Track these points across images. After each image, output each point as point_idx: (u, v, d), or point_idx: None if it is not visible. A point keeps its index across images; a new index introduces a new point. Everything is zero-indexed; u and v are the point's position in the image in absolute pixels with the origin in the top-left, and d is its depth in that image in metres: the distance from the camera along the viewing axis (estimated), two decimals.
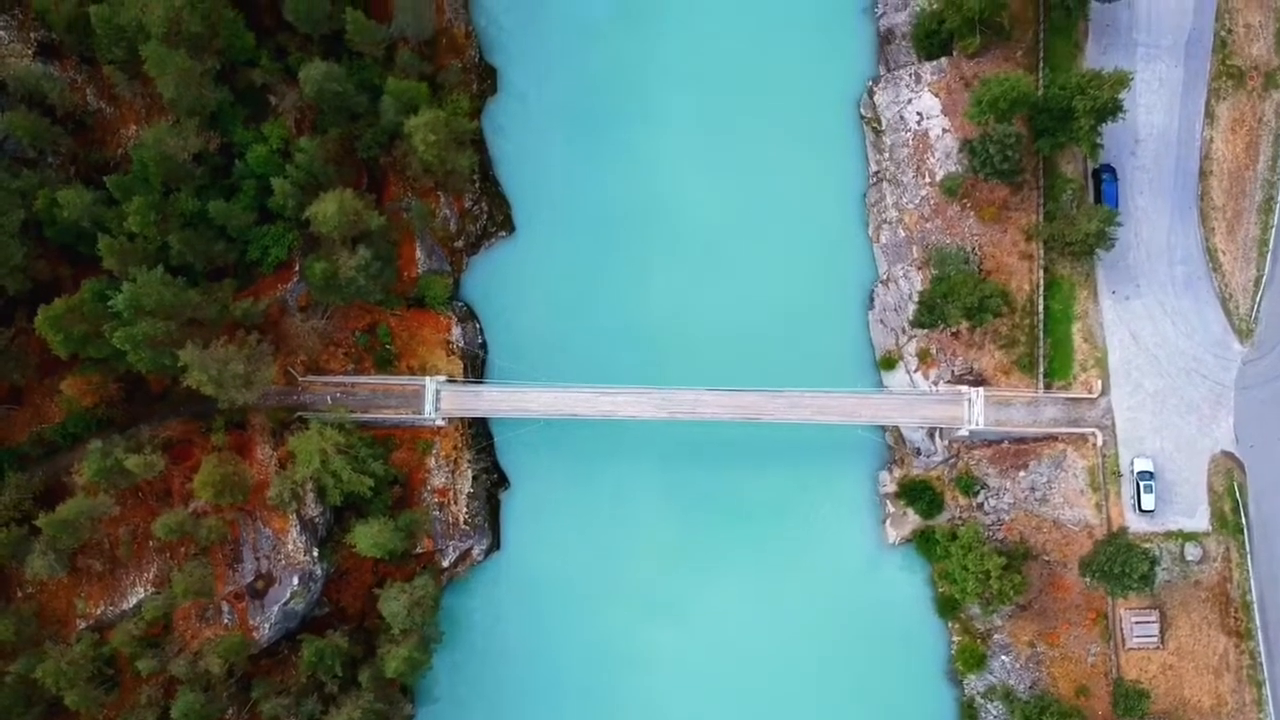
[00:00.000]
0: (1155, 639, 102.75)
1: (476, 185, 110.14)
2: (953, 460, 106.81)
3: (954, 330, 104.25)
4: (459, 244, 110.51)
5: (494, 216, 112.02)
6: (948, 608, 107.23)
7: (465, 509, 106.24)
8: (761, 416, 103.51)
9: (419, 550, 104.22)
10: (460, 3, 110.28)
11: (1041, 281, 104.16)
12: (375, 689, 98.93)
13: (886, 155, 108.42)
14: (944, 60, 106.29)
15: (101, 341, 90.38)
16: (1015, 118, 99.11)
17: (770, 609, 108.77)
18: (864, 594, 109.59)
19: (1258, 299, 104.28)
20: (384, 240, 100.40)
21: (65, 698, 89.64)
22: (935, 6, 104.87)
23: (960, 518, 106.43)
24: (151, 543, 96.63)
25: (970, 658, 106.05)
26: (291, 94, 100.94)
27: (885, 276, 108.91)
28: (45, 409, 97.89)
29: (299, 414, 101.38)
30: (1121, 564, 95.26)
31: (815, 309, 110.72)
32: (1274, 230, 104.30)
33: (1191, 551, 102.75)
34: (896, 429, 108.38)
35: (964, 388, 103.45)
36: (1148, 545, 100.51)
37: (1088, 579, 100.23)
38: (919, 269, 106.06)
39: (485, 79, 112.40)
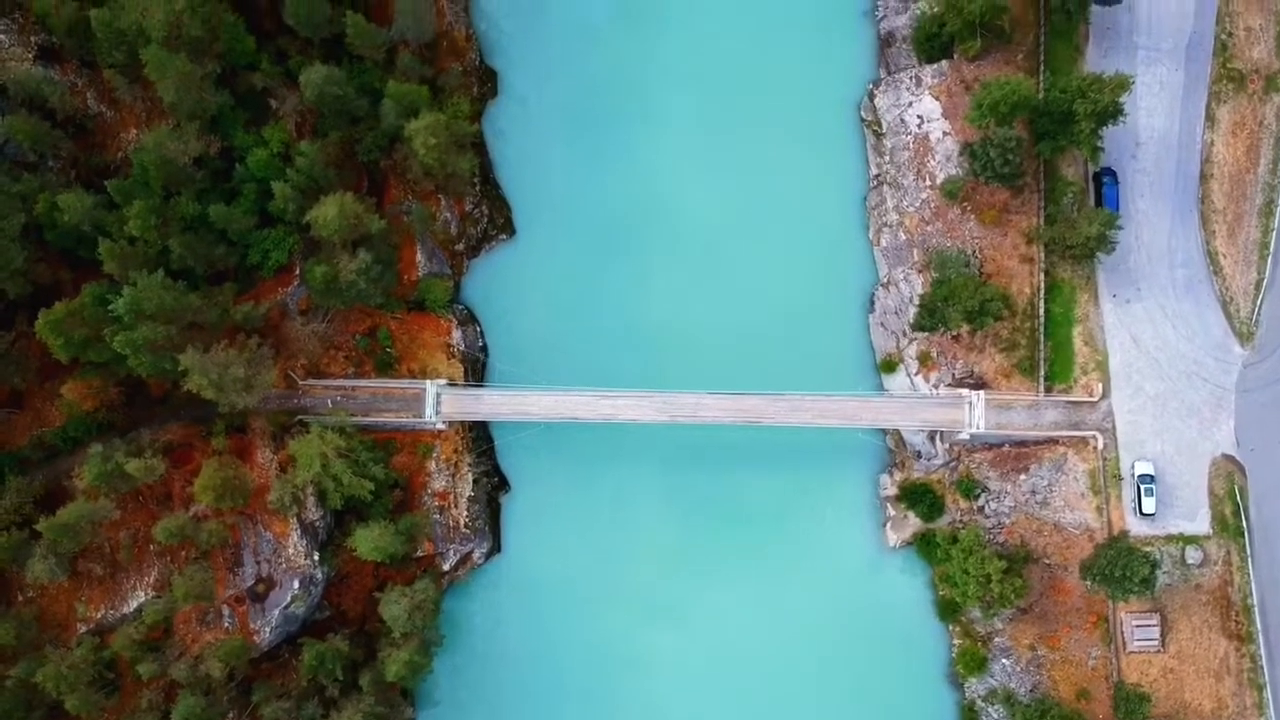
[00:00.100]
0: (1156, 642, 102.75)
1: (477, 188, 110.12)
2: (953, 463, 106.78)
3: (955, 333, 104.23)
4: (459, 247, 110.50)
5: (494, 219, 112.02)
6: (948, 611, 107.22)
7: (466, 512, 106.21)
8: (762, 420, 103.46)
9: (419, 554, 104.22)
10: (461, 6, 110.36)
11: (1042, 285, 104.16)
12: (376, 692, 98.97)
13: (887, 158, 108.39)
14: (945, 63, 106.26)
15: (102, 345, 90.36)
16: (1016, 121, 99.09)
17: (771, 612, 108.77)
18: (865, 597, 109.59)
19: (1258, 302, 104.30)
20: (384, 244, 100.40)
21: (66, 702, 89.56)
22: (936, 10, 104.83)
23: (961, 521, 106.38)
24: (152, 546, 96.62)
25: (971, 661, 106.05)
26: (292, 98, 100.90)
27: (886, 279, 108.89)
28: (46, 413, 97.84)
29: (299, 417, 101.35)
30: (1122, 567, 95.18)
31: (816, 312, 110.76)
32: (1275, 233, 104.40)
33: (1192, 555, 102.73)
34: (897, 432, 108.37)
35: (965, 391, 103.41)
36: (1148, 549, 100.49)
37: (1088, 582, 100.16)
38: (919, 272, 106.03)
39: (486, 82, 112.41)
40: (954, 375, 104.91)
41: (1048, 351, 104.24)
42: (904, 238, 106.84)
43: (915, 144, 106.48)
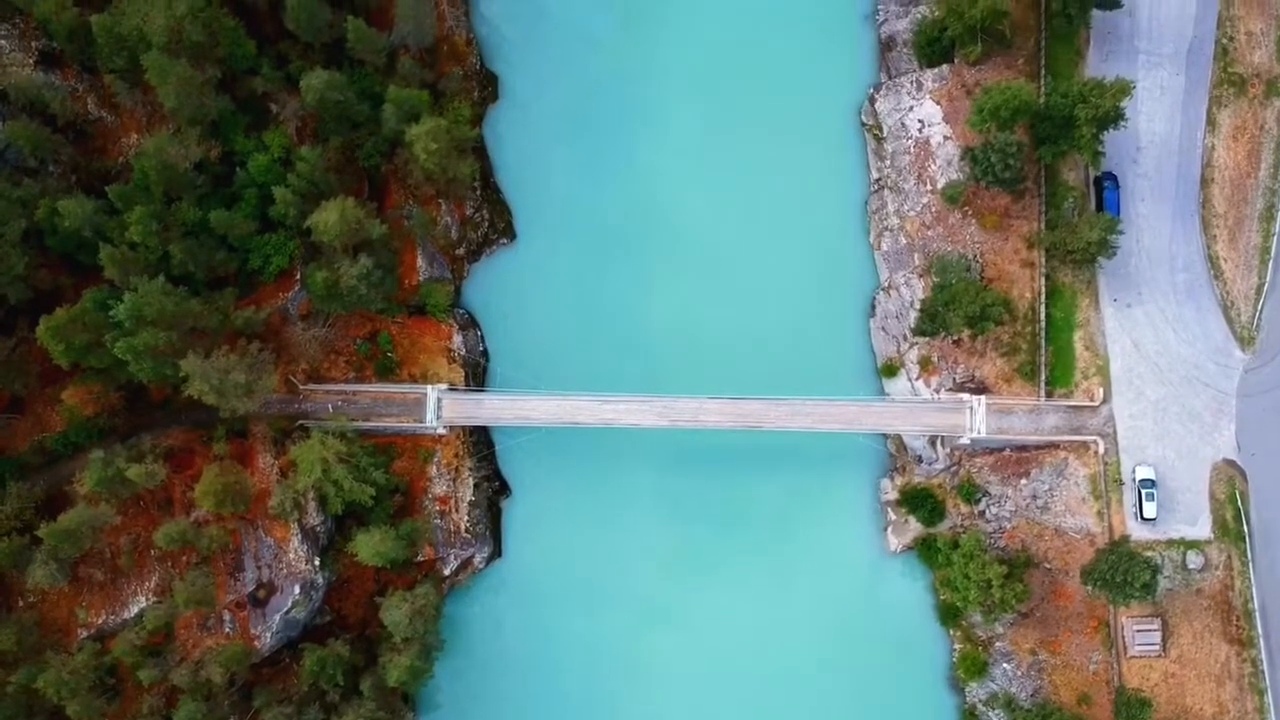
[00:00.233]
0: (1157, 647, 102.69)
1: (478, 192, 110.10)
2: (954, 468, 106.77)
3: (956, 338, 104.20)
4: (460, 251, 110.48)
5: (495, 224, 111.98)
6: (949, 615, 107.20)
7: (466, 517, 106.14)
8: (763, 425, 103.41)
9: (420, 558, 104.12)
10: (461, 11, 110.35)
11: (1043, 289, 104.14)
12: (377, 697, 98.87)
13: (888, 162, 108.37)
14: (945, 68, 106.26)
15: (103, 351, 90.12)
16: (1017, 126, 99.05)
17: (772, 616, 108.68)
18: (865, 601, 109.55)
19: (1259, 306, 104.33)
20: (385, 248, 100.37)
21: (67, 708, 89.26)
22: (937, 14, 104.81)
23: (962, 525, 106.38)
24: (153, 552, 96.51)
25: (972, 665, 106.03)
26: (292, 102, 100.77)
27: (886, 284, 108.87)
28: (46, 418, 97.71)
29: (300, 422, 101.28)
30: (1123, 572, 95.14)
31: (816, 316, 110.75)
32: (1276, 238, 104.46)
33: (1193, 559, 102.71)
34: (898, 437, 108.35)
35: (966, 395, 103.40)
36: (1149, 553, 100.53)
37: (1089, 587, 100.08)
38: (920, 276, 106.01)
39: (486, 86, 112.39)
40: (955, 380, 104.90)
41: (1049, 356, 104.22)
42: (905, 242, 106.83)
43: (916, 148, 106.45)
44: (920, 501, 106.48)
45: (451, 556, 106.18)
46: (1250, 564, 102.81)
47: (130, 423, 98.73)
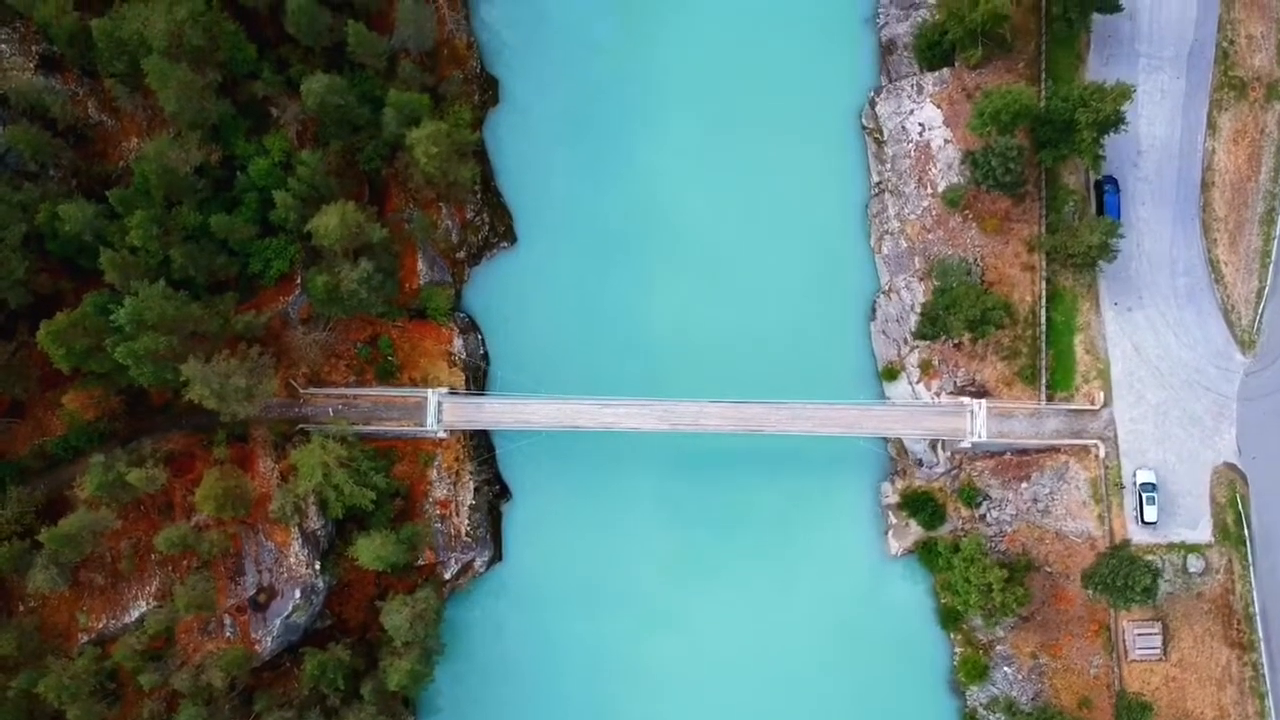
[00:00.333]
0: (1158, 651, 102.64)
1: (478, 196, 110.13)
2: (955, 471, 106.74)
3: (956, 342, 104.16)
4: (461, 255, 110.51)
5: (495, 227, 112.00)
6: (950, 619, 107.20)
7: (467, 521, 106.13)
8: (764, 428, 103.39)
9: (421, 562, 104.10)
10: (461, 14, 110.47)
11: (1043, 293, 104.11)
12: (377, 701, 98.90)
13: (888, 166, 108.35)
14: (946, 71, 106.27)
15: (103, 356, 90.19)
16: (1017, 129, 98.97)
17: (773, 620, 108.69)
18: (866, 605, 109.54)
19: (1260, 310, 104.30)
20: (386, 252, 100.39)
21: (67, 712, 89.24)
22: (937, 17, 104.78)
23: (962, 529, 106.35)
24: (153, 556, 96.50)
25: (972, 669, 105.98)
26: (293, 106, 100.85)
27: (887, 287, 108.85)
28: (47, 422, 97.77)
29: (301, 426, 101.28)
30: (1124, 576, 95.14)
31: (817, 320, 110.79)
32: (1276, 241, 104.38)
33: (1194, 563, 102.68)
34: (899, 440, 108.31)
35: (966, 399, 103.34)
36: (1150, 557, 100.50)
37: (1090, 591, 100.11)
38: (921, 280, 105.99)
39: (487, 90, 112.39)
40: (955, 383, 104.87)
41: (1049, 360, 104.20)
42: (905, 245, 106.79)
43: (916, 152, 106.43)
44: (921, 505, 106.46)
45: (452, 560, 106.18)
46: (1251, 568, 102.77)
47: (131, 427, 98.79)
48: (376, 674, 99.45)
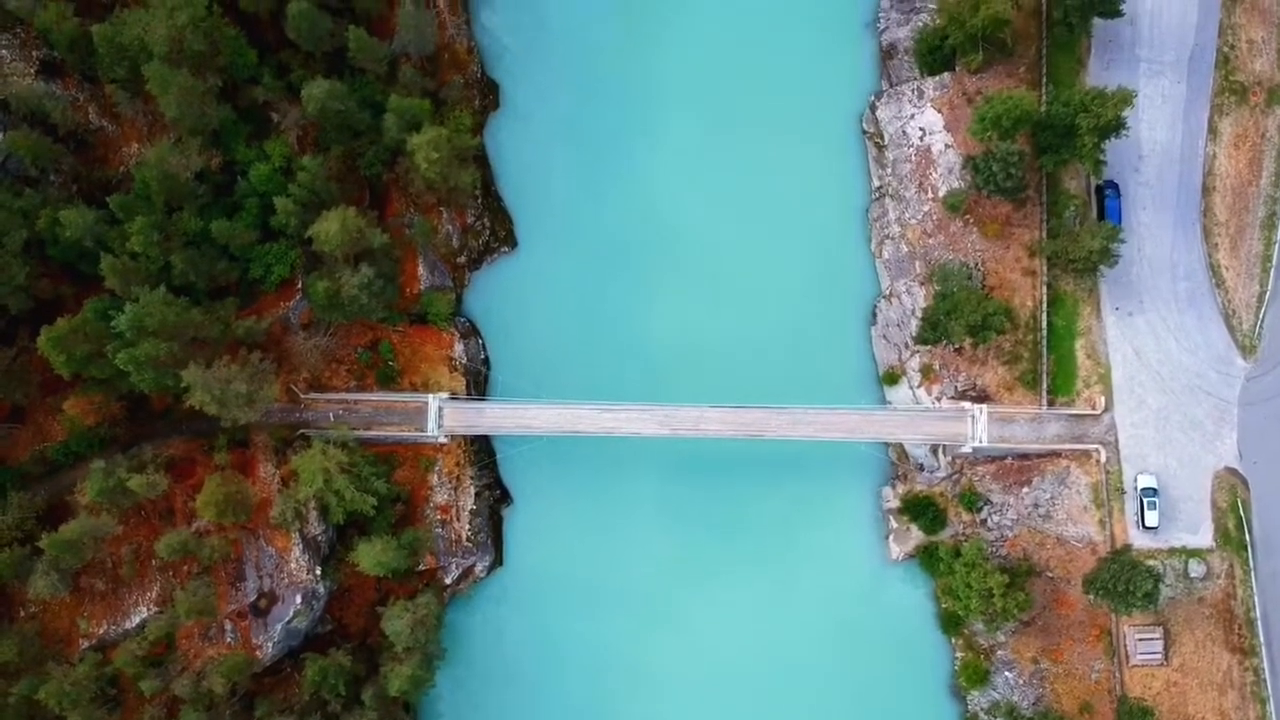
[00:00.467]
0: (1159, 656, 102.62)
1: (479, 200, 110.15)
2: (956, 476, 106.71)
3: (957, 346, 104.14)
4: (461, 260, 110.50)
5: (496, 232, 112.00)
6: (951, 623, 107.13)
7: (468, 526, 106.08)
8: (764, 433, 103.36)
9: (422, 567, 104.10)
10: (462, 19, 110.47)
11: (1044, 298, 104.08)
12: (378, 707, 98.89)
13: (889, 170, 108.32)
14: (946, 76, 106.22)
15: (104, 361, 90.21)
16: (1018, 134, 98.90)
17: (774, 624, 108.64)
18: (867, 609, 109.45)
19: (1261, 315, 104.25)
20: (386, 257, 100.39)
21: (68, 718, 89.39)
22: (938, 22, 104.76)
23: (963, 534, 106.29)
24: (154, 562, 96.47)
25: (973, 673, 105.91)
26: (294, 111, 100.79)
27: (888, 292, 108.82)
28: (48, 428, 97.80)
29: (302, 432, 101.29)
30: (1126, 582, 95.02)
31: (817, 324, 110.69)
32: (1277, 246, 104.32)
33: (1195, 568, 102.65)
34: (900, 445, 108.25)
35: (967, 404, 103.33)
36: (1152, 562, 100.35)
37: (1091, 596, 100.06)
38: (922, 284, 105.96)
39: (487, 94, 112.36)
40: (956, 388, 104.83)
41: (1050, 365, 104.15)
42: (906, 250, 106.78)
43: (917, 156, 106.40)
44: (922, 510, 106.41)
45: (453, 565, 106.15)
46: (1252, 572, 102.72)
47: (131, 432, 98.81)
48: (377, 679, 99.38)
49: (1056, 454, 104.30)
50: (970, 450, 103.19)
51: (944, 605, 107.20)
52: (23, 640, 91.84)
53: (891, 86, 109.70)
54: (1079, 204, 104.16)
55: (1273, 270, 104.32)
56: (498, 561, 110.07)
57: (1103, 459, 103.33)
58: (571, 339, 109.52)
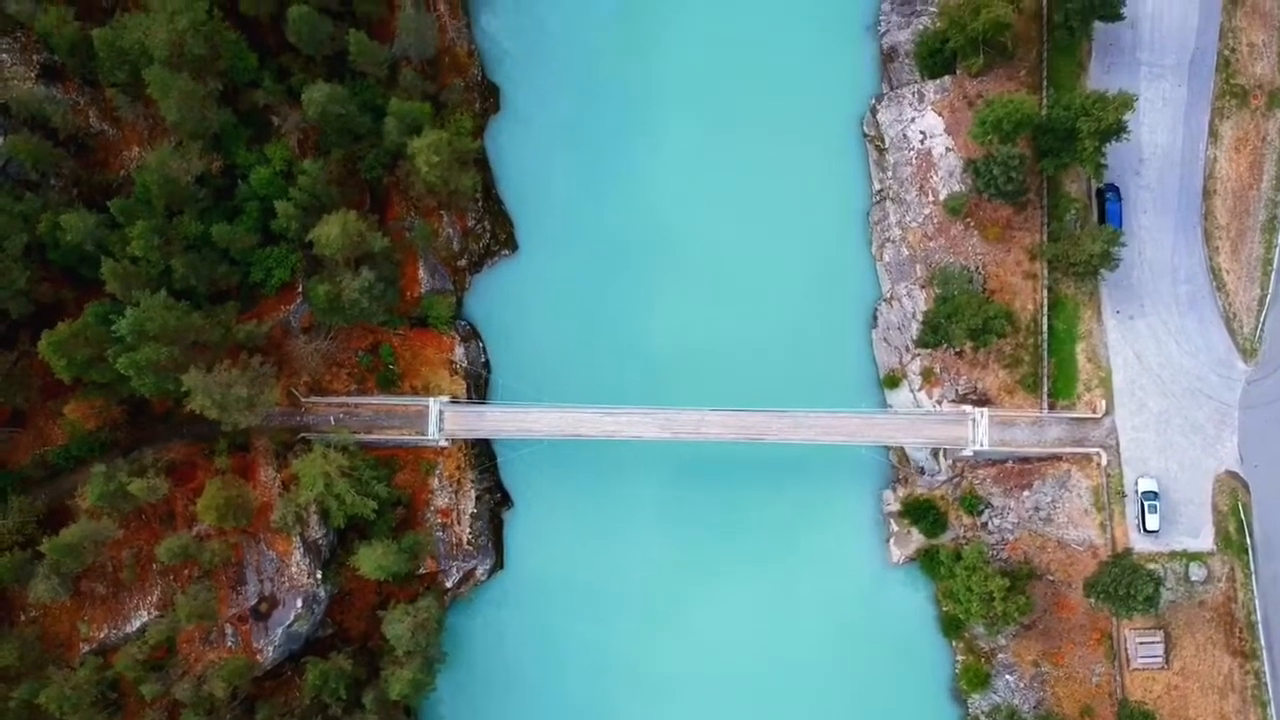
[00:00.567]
0: (1160, 659, 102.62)
1: (479, 204, 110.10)
2: (957, 479, 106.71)
3: (958, 350, 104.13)
4: (462, 263, 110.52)
5: (497, 235, 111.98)
6: (952, 627, 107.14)
7: (469, 529, 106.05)
8: (765, 437, 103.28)
9: (422, 571, 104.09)
10: (462, 23, 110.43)
11: (1045, 301, 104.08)
12: (379, 711, 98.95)
13: (889, 174, 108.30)
14: (947, 79, 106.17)
15: (105, 366, 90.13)
16: (1019, 138, 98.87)
17: (775, 627, 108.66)
18: (868, 613, 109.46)
19: (1262, 318, 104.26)
20: (387, 261, 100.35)
21: None
22: (939, 25, 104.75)
23: (964, 537, 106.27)
24: (155, 566, 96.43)
25: (974, 677, 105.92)
26: (294, 115, 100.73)
27: (888, 295, 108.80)
28: (48, 432, 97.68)
29: (302, 435, 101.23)
30: (1126, 585, 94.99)
31: (818, 327, 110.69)
32: (1278, 249, 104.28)
33: (1196, 572, 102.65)
34: (900, 448, 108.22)
35: (968, 407, 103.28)
36: (1152, 565, 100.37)
37: (1092, 599, 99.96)
38: (922, 288, 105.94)
39: (488, 98, 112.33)
40: (957, 391, 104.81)
41: (1051, 368, 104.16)
42: (907, 253, 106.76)
43: (918, 160, 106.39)
44: (922, 513, 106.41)
45: (454, 569, 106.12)
46: (1253, 576, 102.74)
47: (132, 436, 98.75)
48: (378, 683, 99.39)
49: (1057, 457, 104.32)
50: (971, 454, 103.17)
51: (945, 608, 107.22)
52: (23, 644, 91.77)
53: (892, 90, 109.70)
54: (1080, 207, 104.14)
55: (1273, 273, 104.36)
56: (498, 565, 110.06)
57: (1103, 462, 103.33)
58: (572, 342, 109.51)
